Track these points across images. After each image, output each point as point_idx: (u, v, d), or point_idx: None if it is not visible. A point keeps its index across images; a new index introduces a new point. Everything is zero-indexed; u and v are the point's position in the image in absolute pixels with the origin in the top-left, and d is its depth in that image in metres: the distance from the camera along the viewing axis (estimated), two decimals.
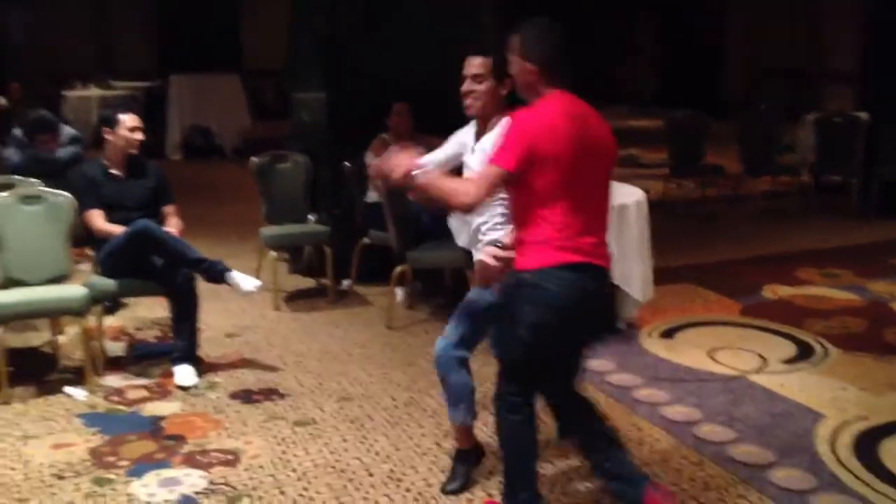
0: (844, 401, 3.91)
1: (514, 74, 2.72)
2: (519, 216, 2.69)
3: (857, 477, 3.22)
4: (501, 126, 2.76)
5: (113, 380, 4.25)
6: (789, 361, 4.41)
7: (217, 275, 4.25)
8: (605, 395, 3.96)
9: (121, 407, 3.96)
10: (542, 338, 2.61)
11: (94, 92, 12.39)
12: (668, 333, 4.83)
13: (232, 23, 14.83)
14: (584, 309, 2.64)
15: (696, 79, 15.47)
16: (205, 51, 13.08)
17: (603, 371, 4.25)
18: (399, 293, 5.31)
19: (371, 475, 3.29)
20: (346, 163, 5.54)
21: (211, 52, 13.08)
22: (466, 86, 3.00)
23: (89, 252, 4.87)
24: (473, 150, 3.07)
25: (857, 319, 5.06)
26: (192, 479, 3.27)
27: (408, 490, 3.18)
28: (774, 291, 5.63)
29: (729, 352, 4.53)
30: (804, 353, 4.53)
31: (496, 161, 2.57)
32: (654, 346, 4.64)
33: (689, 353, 4.51)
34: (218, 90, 12.01)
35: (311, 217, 5.70)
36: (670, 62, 16.92)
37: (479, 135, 3.07)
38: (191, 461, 3.42)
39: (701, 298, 5.52)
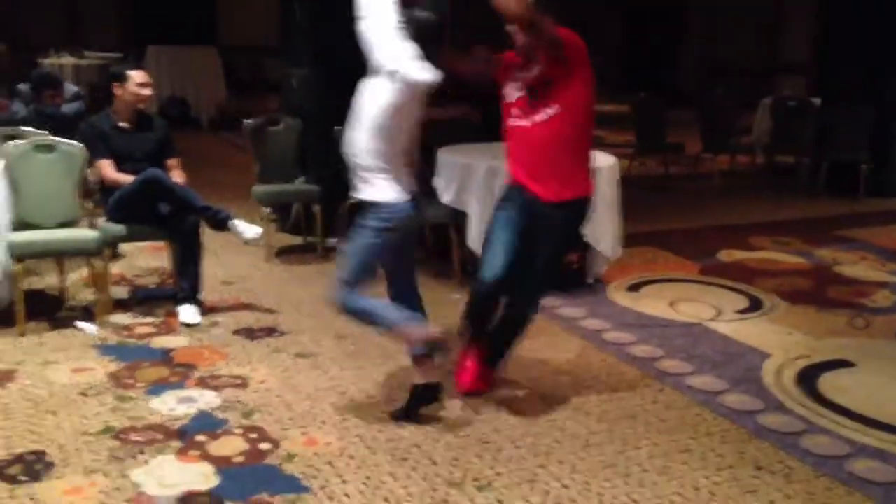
0: (790, 343, 4.37)
1: None
2: None
3: (798, 402, 3.68)
4: None
5: (120, 318, 4.54)
6: (742, 311, 4.87)
7: (221, 222, 4.55)
8: (579, 337, 4.39)
9: (131, 340, 4.27)
10: None
11: (67, 60, 12.48)
12: (633, 288, 5.26)
13: None
14: None
15: (653, 72, 16.08)
16: (180, 24, 13.15)
17: (574, 317, 4.67)
18: None
19: (369, 397, 3.67)
20: (337, 126, 5.84)
21: (186, 26, 13.15)
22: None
23: (87, 204, 5.11)
24: None
25: (804, 279, 5.55)
26: (207, 398, 3.61)
27: None
28: (730, 255, 6.10)
29: (688, 303, 4.97)
30: (755, 305, 4.99)
31: None
32: (621, 297, 5.07)
33: (652, 304, 4.95)
34: (195, 62, 12.18)
35: (300, 178, 6.01)
36: (633, 58, 17.59)
37: None
38: (203, 384, 3.76)
39: (663, 259, 5.97)
